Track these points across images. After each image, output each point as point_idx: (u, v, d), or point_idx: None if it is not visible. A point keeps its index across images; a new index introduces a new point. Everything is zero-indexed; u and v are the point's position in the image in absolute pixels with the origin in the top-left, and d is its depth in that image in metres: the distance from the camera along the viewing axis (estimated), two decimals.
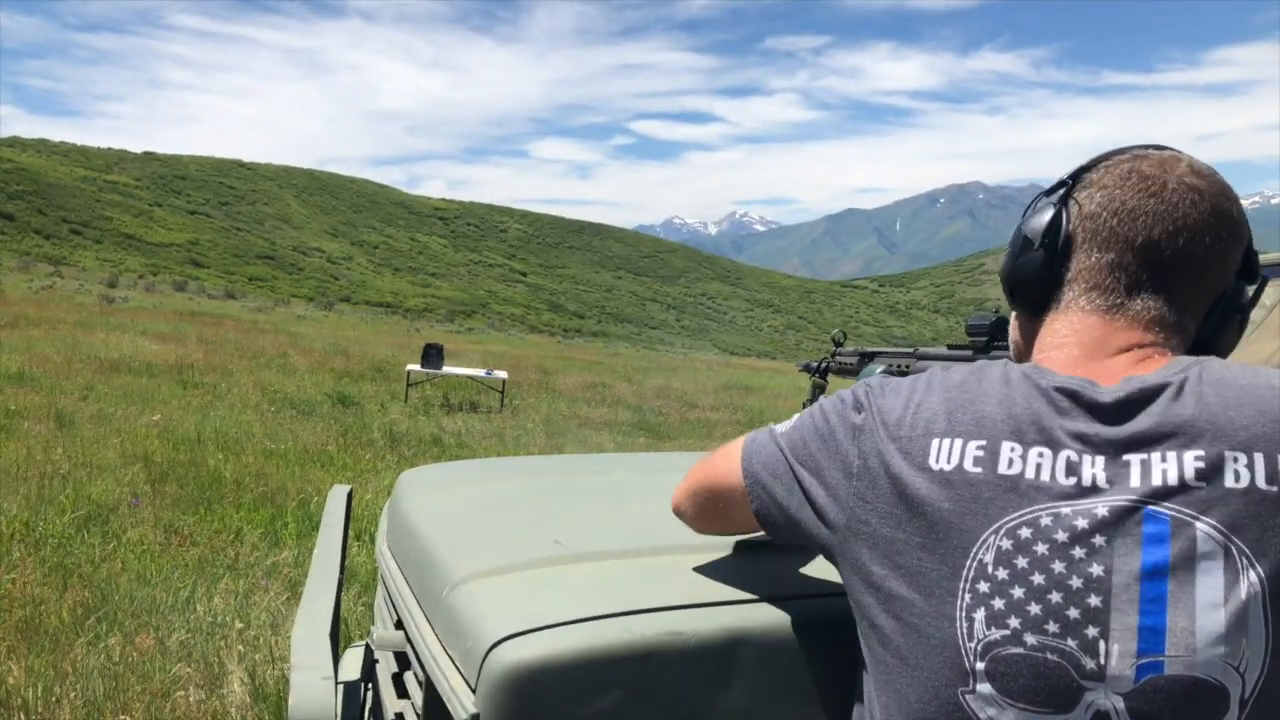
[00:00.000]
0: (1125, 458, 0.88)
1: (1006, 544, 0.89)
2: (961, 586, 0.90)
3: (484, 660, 1.03)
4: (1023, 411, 0.94)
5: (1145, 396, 0.91)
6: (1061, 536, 0.87)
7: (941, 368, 1.05)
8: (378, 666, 1.60)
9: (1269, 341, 2.11)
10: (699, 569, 1.27)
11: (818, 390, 1.99)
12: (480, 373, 14.91)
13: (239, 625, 3.84)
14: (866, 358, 1.86)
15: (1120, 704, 0.84)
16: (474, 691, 1.04)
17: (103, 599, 4.02)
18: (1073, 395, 0.94)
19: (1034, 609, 0.87)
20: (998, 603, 0.88)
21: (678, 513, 1.29)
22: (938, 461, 0.95)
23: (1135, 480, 0.87)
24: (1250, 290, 1.05)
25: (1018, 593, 0.88)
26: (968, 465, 0.93)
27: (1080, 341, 1.02)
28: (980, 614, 0.89)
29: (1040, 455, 0.91)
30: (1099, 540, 0.86)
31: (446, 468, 2.48)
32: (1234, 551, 0.83)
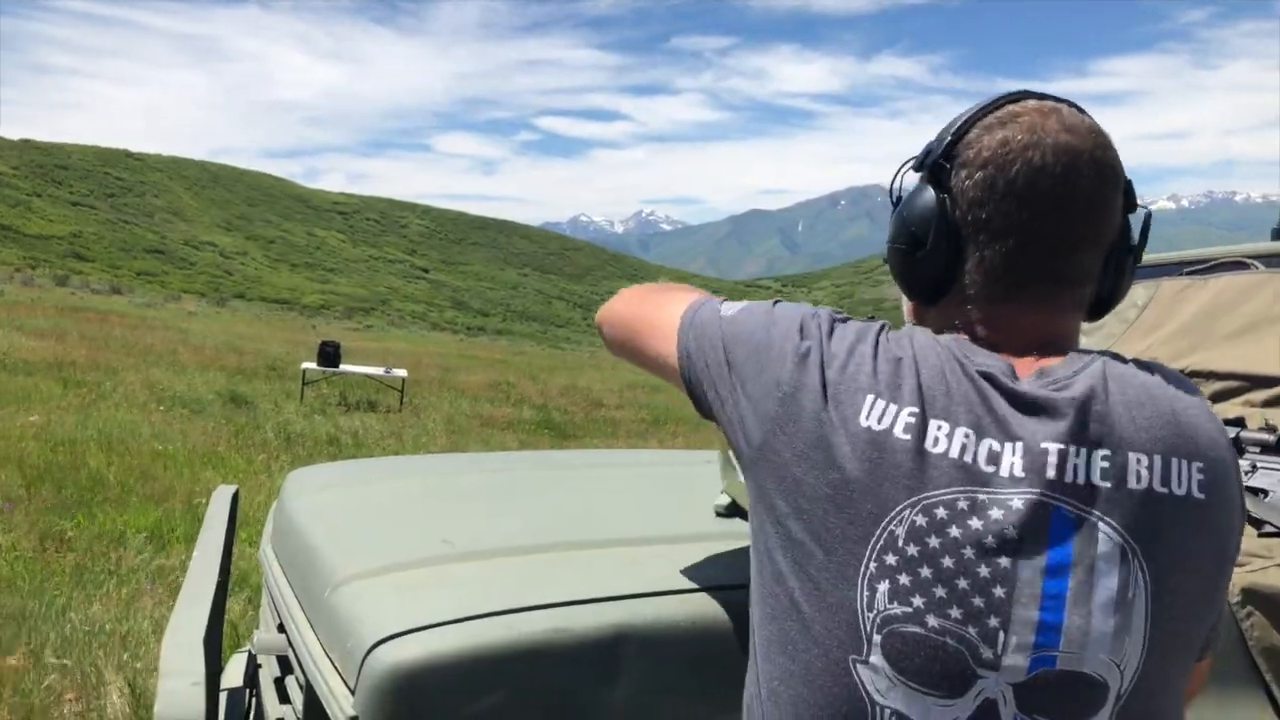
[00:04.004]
0: (1043, 447, 0.88)
1: (921, 520, 0.87)
2: (868, 553, 0.88)
3: (363, 661, 1.01)
4: (955, 389, 0.92)
5: (1059, 391, 0.91)
6: (976, 524, 0.86)
7: (873, 330, 1.00)
8: (260, 671, 1.56)
9: (1139, 340, 2.20)
10: (586, 565, 1.27)
11: None
12: (379, 371, 14.63)
13: (120, 633, 3.70)
14: None
15: (1010, 694, 0.85)
16: (353, 693, 1.02)
17: None
18: (994, 381, 0.93)
19: (940, 591, 0.86)
20: (904, 578, 0.87)
21: (600, 328, 1.27)
22: (868, 419, 0.91)
23: (1051, 473, 0.87)
24: (1135, 223, 1.03)
25: (926, 572, 0.86)
26: (898, 431, 0.90)
27: (990, 329, 0.99)
28: (884, 586, 0.87)
29: (966, 437, 0.89)
30: (1011, 532, 0.86)
31: (337, 467, 2.43)
32: (1129, 553, 0.86)
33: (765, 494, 0.96)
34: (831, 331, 0.99)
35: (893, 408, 0.91)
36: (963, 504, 0.87)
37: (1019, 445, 0.88)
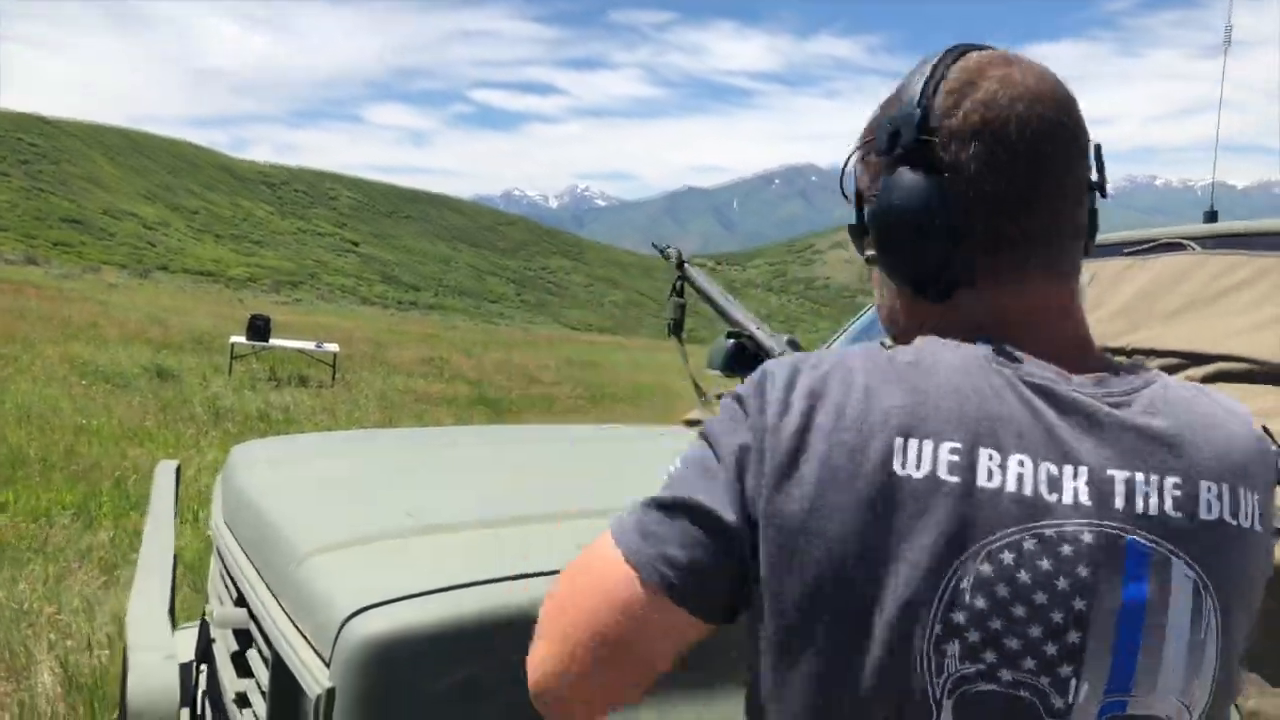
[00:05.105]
0: (1109, 474, 0.80)
1: (987, 569, 0.77)
2: (932, 616, 0.77)
3: (339, 633, 1.00)
4: (996, 409, 0.80)
5: (1119, 409, 0.83)
6: (1046, 564, 0.77)
7: (859, 360, 0.85)
8: (215, 646, 1.53)
9: None
10: (557, 536, 1.27)
11: (679, 309, 1.81)
12: (310, 345, 14.40)
13: (49, 611, 3.60)
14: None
15: None
16: (328, 665, 1.01)
17: None
18: (1045, 393, 0.82)
19: (1012, 643, 0.77)
20: (974, 635, 0.77)
21: (546, 697, 0.87)
22: (904, 466, 0.78)
23: (1119, 503, 0.79)
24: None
25: (997, 624, 0.77)
26: (942, 473, 0.78)
27: (1008, 316, 0.88)
28: (954, 647, 0.77)
29: (1021, 465, 0.79)
30: (1083, 571, 0.78)
31: (282, 441, 2.40)
32: (1202, 590, 0.80)
33: (784, 602, 0.80)
34: (822, 379, 0.82)
35: (928, 445, 0.78)
36: (1029, 544, 0.78)
37: (1083, 470, 0.79)
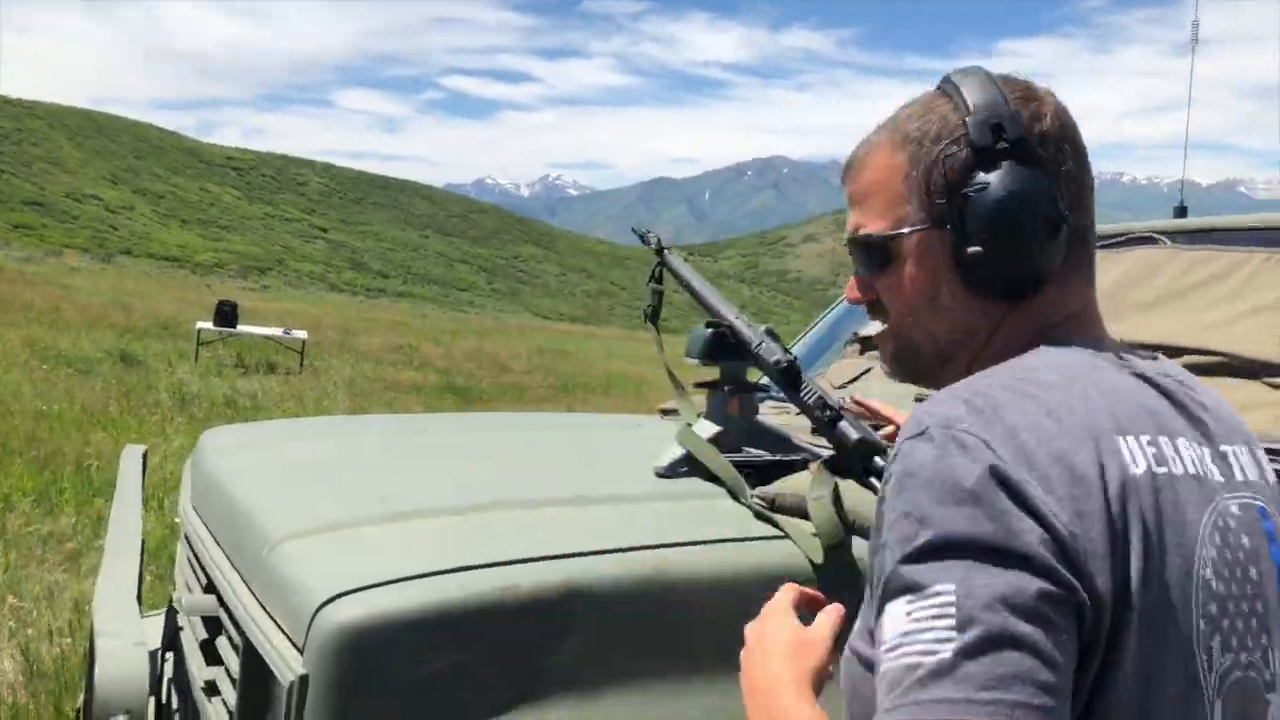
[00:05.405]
0: (1222, 448, 0.84)
1: (1212, 552, 0.77)
2: (1195, 613, 0.75)
3: (312, 619, 0.99)
4: (1142, 399, 0.82)
5: (1185, 387, 0.86)
6: (1233, 539, 0.79)
7: (1040, 379, 0.80)
8: (182, 634, 1.51)
9: None
10: (533, 524, 1.26)
11: (657, 296, 1.80)
12: (278, 332, 14.26)
13: (10, 599, 3.54)
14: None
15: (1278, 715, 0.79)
16: (301, 652, 1.00)
17: None
18: (1148, 380, 0.84)
19: (1240, 624, 0.77)
20: (1225, 623, 0.76)
21: None
22: (1134, 463, 0.76)
23: (1238, 474, 0.83)
24: None
25: (1231, 607, 0.77)
26: (1154, 466, 0.77)
27: (1074, 311, 0.90)
28: (1217, 641, 0.76)
29: (1187, 447, 0.80)
30: (1245, 540, 0.80)
31: (252, 427, 2.37)
32: None
33: (1110, 642, 0.72)
34: (1030, 466, 0.72)
35: (1131, 441, 0.77)
36: (1220, 521, 0.79)
37: (1205, 448, 0.82)
